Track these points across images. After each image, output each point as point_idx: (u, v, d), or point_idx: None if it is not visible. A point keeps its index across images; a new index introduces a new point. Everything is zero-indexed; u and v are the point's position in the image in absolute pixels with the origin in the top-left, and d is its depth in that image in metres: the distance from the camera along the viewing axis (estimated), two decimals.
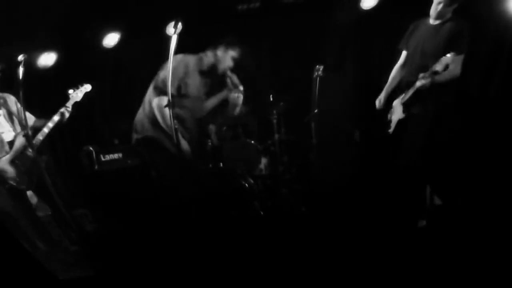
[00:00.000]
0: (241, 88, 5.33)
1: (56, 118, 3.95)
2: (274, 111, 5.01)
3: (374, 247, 3.39)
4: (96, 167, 4.69)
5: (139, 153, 4.73)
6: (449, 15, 3.80)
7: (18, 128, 3.93)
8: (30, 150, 3.81)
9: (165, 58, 3.41)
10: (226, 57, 3.96)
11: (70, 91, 4.16)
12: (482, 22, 4.43)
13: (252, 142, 5.09)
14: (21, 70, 3.29)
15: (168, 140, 3.77)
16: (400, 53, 4.20)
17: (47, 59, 4.64)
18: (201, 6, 3.70)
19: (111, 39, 4.94)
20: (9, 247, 2.96)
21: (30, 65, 4.40)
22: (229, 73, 4.00)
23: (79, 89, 4.19)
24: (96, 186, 4.71)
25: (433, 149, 3.91)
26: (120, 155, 4.83)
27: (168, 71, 3.36)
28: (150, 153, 4.04)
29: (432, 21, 3.87)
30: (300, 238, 3.81)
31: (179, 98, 3.80)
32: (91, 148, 4.67)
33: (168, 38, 3.36)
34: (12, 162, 3.76)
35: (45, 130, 3.91)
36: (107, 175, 4.74)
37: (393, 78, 4.22)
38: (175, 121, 3.47)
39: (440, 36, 3.79)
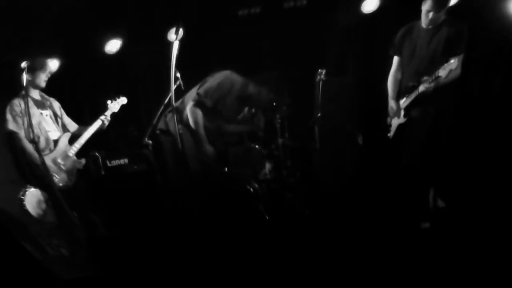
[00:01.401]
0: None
1: (97, 124, 4.30)
2: (278, 116, 4.97)
3: (379, 250, 3.40)
4: (102, 172, 4.74)
5: (146, 158, 4.81)
6: (442, 18, 3.82)
7: (61, 130, 4.23)
8: (72, 151, 4.14)
9: (169, 64, 3.50)
10: (267, 97, 4.04)
11: (108, 101, 4.51)
12: (478, 22, 4.43)
13: (256, 146, 5.11)
14: (24, 76, 3.42)
15: (188, 140, 3.93)
16: (392, 59, 4.23)
17: (52, 65, 4.74)
18: (201, 12, 3.74)
19: (113, 45, 5.01)
20: (9, 247, 3.00)
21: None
22: (260, 113, 4.11)
23: (117, 101, 4.55)
24: (104, 191, 4.75)
25: (434, 152, 3.92)
26: (126, 160, 4.87)
27: (171, 79, 3.44)
28: (160, 148, 4.18)
29: (425, 26, 3.89)
30: (304, 241, 3.83)
31: (212, 112, 3.96)
32: (97, 154, 4.73)
33: (170, 44, 3.42)
34: (55, 160, 3.99)
35: (87, 135, 4.23)
36: (114, 180, 4.79)
37: (393, 84, 4.22)
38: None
39: (437, 40, 3.80)
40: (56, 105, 4.32)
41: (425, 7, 3.81)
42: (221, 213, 4.26)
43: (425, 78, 3.78)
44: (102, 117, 4.36)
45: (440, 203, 4.14)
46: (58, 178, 4.00)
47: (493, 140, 4.49)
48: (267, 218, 4.48)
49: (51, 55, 4.63)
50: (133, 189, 4.71)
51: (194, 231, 3.78)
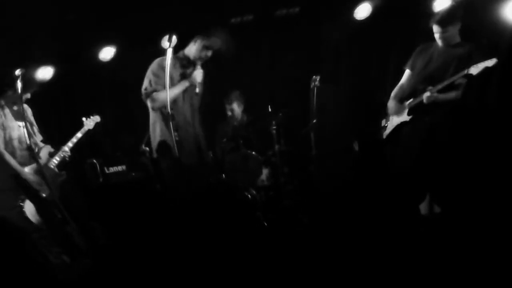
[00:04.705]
0: (238, 102, 5.48)
1: (74, 140, 4.25)
2: (273, 122, 5.05)
3: (376, 255, 3.41)
4: (100, 179, 4.78)
5: (143, 165, 4.85)
6: (457, 40, 3.88)
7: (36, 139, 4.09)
8: (53, 162, 4.06)
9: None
10: (195, 47, 3.93)
11: (83, 118, 4.49)
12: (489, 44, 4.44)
13: (253, 153, 5.14)
14: (19, 85, 3.38)
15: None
16: (403, 73, 4.26)
17: (45, 73, 4.80)
18: (195, 20, 3.79)
19: (108, 53, 5.04)
20: (8, 248, 3.03)
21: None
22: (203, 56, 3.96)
23: (91, 118, 4.53)
24: (103, 198, 4.78)
25: (433, 156, 3.93)
26: (124, 167, 4.91)
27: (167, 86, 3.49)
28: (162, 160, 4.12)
29: (441, 45, 3.94)
30: (302, 248, 3.84)
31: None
32: (94, 161, 4.78)
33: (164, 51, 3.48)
34: (39, 172, 3.83)
35: (66, 148, 4.16)
36: (112, 187, 4.83)
37: (399, 89, 4.26)
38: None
39: (452, 56, 3.84)
40: (29, 112, 4.15)
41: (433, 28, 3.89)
42: (219, 220, 4.28)
43: (430, 87, 3.84)
44: (79, 134, 4.31)
45: (436, 209, 4.13)
46: (43, 190, 3.88)
47: (488, 149, 4.49)
48: (266, 225, 4.50)
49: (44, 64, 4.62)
50: (132, 196, 4.74)
51: (193, 237, 3.79)
